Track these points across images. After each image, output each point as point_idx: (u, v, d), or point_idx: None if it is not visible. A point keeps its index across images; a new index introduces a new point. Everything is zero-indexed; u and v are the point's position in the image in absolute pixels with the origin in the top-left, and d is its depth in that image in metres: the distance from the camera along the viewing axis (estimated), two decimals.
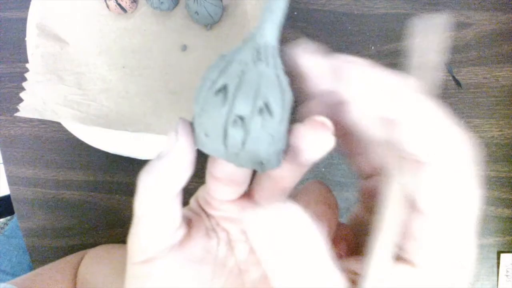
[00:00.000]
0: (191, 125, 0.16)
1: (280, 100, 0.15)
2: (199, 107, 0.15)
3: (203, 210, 0.20)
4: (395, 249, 0.13)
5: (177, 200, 0.16)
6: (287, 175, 0.17)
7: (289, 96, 0.15)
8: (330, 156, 0.45)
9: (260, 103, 0.14)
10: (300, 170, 0.17)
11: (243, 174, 0.17)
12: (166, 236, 0.17)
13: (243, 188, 0.18)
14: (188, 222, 0.19)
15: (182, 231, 0.18)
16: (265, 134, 0.15)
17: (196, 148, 0.16)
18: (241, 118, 0.14)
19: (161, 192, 0.16)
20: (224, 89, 0.14)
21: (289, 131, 0.16)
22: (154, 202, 0.16)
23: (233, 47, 0.16)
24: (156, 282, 0.17)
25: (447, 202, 0.11)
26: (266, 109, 0.14)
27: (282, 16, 0.15)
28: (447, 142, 0.10)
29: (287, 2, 0.15)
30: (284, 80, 0.15)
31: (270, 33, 0.15)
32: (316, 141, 0.15)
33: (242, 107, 0.14)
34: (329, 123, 0.15)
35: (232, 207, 0.19)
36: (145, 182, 0.16)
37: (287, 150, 0.16)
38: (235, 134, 0.14)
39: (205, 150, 0.16)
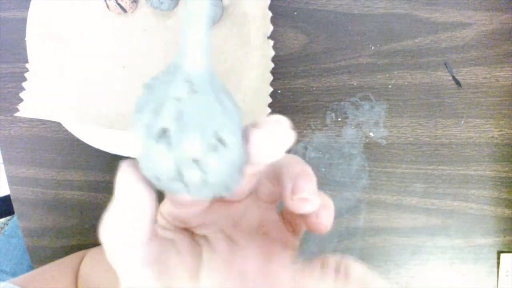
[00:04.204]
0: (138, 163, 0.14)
1: (230, 126, 0.13)
2: (141, 152, 0.13)
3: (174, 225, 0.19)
4: None
5: (150, 243, 0.15)
6: (251, 179, 0.17)
7: (237, 116, 0.14)
8: (330, 156, 0.45)
9: (210, 139, 0.13)
10: (262, 168, 0.16)
11: None
12: (152, 280, 0.15)
13: (209, 200, 0.18)
14: (172, 243, 0.18)
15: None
16: (224, 165, 0.13)
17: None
18: (194, 160, 0.13)
19: (126, 245, 0.14)
20: (164, 133, 0.13)
21: (244, 136, 0.14)
22: (123, 259, 0.14)
23: (159, 75, 0.14)
24: None
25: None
26: (219, 142, 0.13)
27: (208, 31, 0.13)
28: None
29: (208, 13, 0.13)
30: (227, 100, 0.13)
31: (200, 58, 0.13)
32: (275, 143, 0.14)
33: (193, 150, 0.12)
34: (284, 119, 0.14)
35: (203, 216, 0.18)
36: (107, 239, 0.14)
37: (247, 161, 0.15)
38: (192, 175, 0.13)
39: (163, 189, 0.14)
